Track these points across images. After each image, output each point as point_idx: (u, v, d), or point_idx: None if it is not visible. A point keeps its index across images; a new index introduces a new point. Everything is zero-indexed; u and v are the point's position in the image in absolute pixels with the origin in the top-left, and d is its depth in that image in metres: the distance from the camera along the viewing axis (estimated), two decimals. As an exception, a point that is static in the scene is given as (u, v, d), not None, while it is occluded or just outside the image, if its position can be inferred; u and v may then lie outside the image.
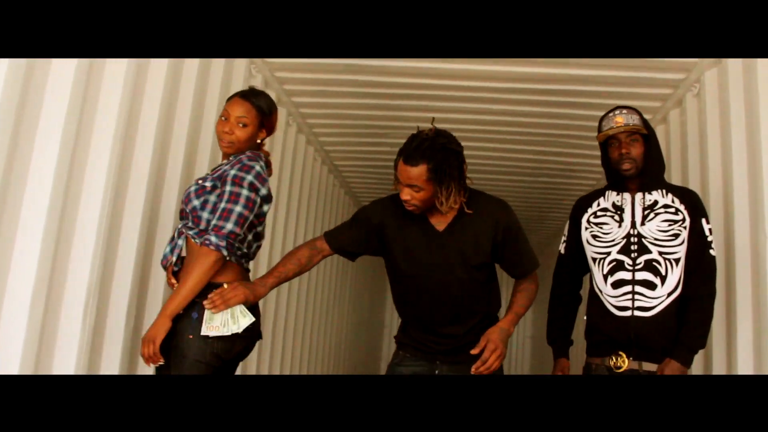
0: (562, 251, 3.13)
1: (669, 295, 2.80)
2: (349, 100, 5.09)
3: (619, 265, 2.87)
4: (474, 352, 2.64)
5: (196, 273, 2.42)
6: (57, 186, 2.45)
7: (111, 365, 2.82)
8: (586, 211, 3.03)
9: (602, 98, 4.62)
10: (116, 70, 2.72)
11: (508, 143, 5.77)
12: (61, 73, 2.46)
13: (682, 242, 2.84)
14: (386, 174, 6.13)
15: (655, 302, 2.80)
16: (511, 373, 12.12)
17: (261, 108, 2.63)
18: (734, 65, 3.63)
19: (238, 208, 2.47)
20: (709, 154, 3.83)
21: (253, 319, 2.50)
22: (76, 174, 2.60)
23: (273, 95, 4.77)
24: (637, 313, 2.81)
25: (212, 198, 2.53)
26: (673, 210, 2.87)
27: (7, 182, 2.30)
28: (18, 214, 2.37)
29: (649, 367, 2.78)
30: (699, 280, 2.81)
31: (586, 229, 2.99)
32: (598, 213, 2.99)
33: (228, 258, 2.47)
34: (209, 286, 2.46)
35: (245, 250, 2.61)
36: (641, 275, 2.82)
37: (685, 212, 2.86)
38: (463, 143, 2.70)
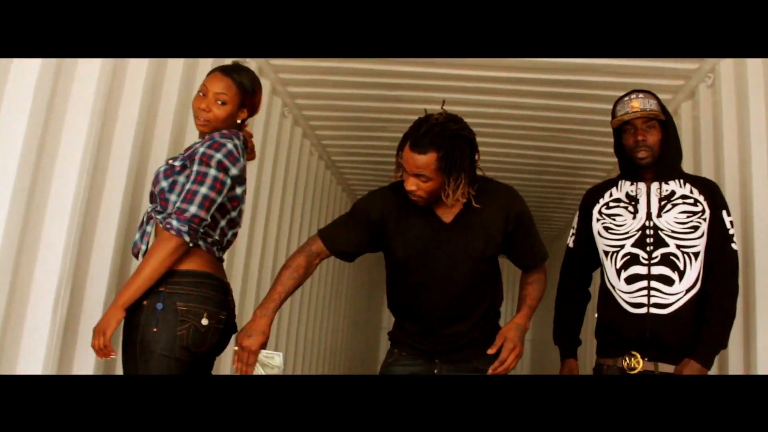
0: (571, 245, 2.94)
1: (687, 291, 2.61)
2: (346, 90, 4.88)
3: (633, 259, 2.67)
4: (491, 351, 2.48)
5: (153, 260, 2.22)
6: (23, 172, 2.25)
7: (85, 365, 2.62)
8: (598, 202, 2.84)
9: (608, 89, 4.42)
10: (89, 69, 2.54)
11: (510, 138, 5.59)
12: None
13: (702, 235, 2.65)
14: (385, 170, 5.94)
15: (672, 299, 2.61)
16: (511, 377, 11.91)
17: (243, 85, 2.43)
18: (753, 54, 3.44)
19: (203, 190, 2.27)
20: (725, 149, 3.65)
21: (281, 354, 2.39)
22: (46, 163, 2.41)
23: (267, 85, 4.60)
24: (653, 310, 2.61)
25: (181, 179, 2.34)
26: (691, 201, 2.68)
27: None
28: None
29: (666, 368, 2.59)
30: (721, 275, 2.62)
31: (598, 220, 2.80)
32: (611, 204, 2.80)
33: (191, 244, 2.27)
34: (171, 275, 2.26)
35: (216, 238, 2.41)
36: (658, 270, 2.63)
37: (704, 203, 2.68)
38: None
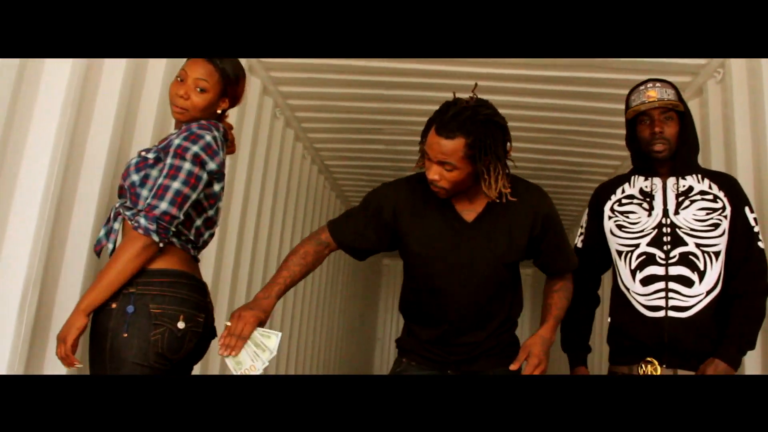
0: (579, 245, 2.75)
1: (708, 293, 2.43)
2: (341, 90, 4.69)
3: (649, 259, 2.49)
4: (513, 367, 2.28)
5: (119, 261, 2.03)
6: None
7: (56, 372, 2.41)
8: (609, 199, 2.66)
9: (609, 87, 4.30)
10: (59, 67, 2.37)
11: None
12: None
13: (723, 233, 2.47)
14: (380, 177, 5.76)
15: (692, 301, 2.43)
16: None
17: (225, 72, 2.24)
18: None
19: (175, 185, 2.08)
20: (738, 149, 3.47)
21: (280, 333, 2.16)
22: (11, 157, 2.23)
23: (258, 84, 4.42)
24: (671, 313, 2.43)
25: (154, 173, 2.15)
26: (711, 197, 2.51)
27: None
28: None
29: (685, 375, 2.40)
30: (749, 275, 2.44)
31: (610, 218, 2.62)
32: (623, 200, 2.63)
33: (161, 244, 2.07)
34: (142, 274, 2.06)
35: (191, 237, 2.22)
36: (676, 270, 2.45)
37: (724, 200, 2.51)
38: None
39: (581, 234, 2.76)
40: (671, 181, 2.56)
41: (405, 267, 2.47)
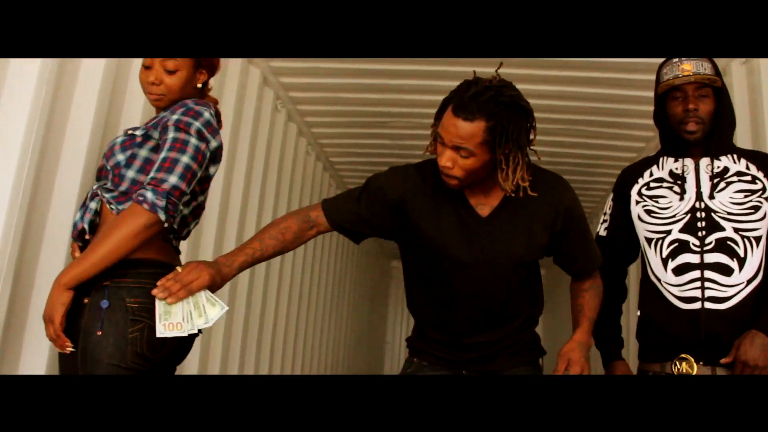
0: (603, 233, 2.53)
1: (749, 282, 2.22)
2: (345, 80, 4.48)
3: (682, 246, 2.28)
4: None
5: (115, 236, 1.80)
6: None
7: (34, 369, 2.22)
8: (636, 182, 2.45)
9: (624, 72, 4.11)
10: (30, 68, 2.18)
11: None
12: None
13: (764, 216, 2.26)
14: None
15: (731, 291, 2.21)
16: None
17: None
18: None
19: (185, 159, 1.88)
20: (766, 127, 3.27)
21: (226, 307, 1.90)
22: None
23: (258, 74, 4.22)
24: (708, 305, 2.21)
25: (143, 152, 1.96)
26: (749, 178, 2.30)
27: None
28: None
29: (725, 373, 2.19)
30: None
31: (638, 203, 2.41)
32: (652, 184, 2.41)
33: (165, 225, 1.86)
34: (118, 265, 1.84)
35: (174, 227, 2.02)
36: (712, 257, 2.24)
37: (764, 180, 2.30)
38: None
39: (604, 221, 2.55)
40: (704, 161, 2.34)
41: (406, 263, 2.25)
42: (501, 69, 2.03)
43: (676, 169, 2.38)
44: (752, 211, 2.25)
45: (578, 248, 2.20)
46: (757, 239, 2.24)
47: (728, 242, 2.24)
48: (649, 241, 2.36)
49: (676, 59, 2.31)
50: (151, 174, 1.85)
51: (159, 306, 1.82)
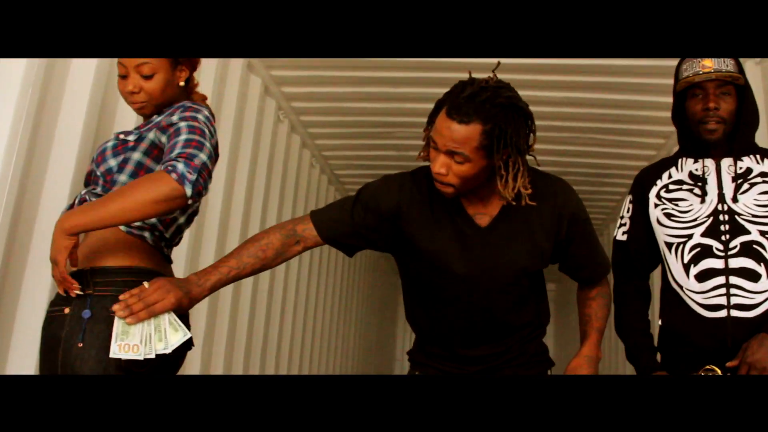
0: (621, 237, 2.41)
1: None
2: (349, 89, 4.40)
3: (705, 251, 2.17)
4: None
5: (133, 197, 1.65)
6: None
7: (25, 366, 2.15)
8: (655, 184, 2.34)
9: (632, 76, 4.02)
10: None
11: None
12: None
13: None
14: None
15: (759, 298, 2.10)
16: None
17: None
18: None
19: (207, 144, 1.77)
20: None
21: (189, 334, 1.77)
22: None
23: (259, 83, 4.14)
24: (734, 312, 2.10)
25: (135, 155, 1.85)
26: None
27: None
28: None
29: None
30: None
31: (657, 205, 2.30)
32: (671, 186, 2.30)
33: (189, 201, 1.70)
34: (101, 273, 1.73)
35: (167, 235, 1.91)
36: (738, 262, 2.12)
37: None
38: None
39: (621, 225, 2.43)
40: (726, 162, 2.24)
41: (404, 276, 2.15)
42: (506, 75, 1.92)
43: (696, 170, 2.27)
44: (779, 213, 2.14)
45: (585, 254, 2.10)
46: None
47: (755, 246, 2.13)
48: (669, 246, 2.25)
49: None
50: (177, 150, 1.72)
51: (117, 324, 1.70)
